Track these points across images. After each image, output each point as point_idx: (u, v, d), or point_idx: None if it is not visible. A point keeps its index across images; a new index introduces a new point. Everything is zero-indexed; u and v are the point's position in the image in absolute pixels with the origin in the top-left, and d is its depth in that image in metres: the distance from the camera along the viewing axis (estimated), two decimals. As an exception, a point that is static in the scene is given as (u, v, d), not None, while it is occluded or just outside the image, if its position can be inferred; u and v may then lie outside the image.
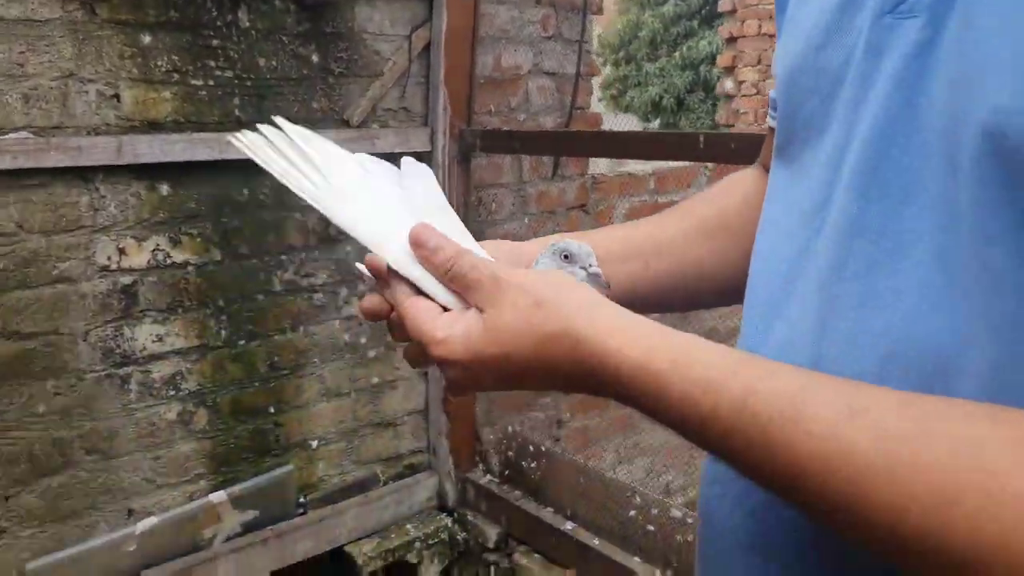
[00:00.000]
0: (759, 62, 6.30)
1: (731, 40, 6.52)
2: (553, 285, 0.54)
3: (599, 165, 2.93)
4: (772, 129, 0.72)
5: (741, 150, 1.71)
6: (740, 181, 0.77)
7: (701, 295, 0.76)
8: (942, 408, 0.41)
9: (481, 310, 0.55)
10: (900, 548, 0.39)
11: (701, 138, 1.74)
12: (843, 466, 0.40)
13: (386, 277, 0.60)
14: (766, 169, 0.76)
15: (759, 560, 0.55)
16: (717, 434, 0.45)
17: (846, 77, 0.51)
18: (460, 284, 0.56)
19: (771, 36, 6.19)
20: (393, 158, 2.38)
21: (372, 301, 0.62)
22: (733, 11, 6.46)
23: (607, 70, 13.24)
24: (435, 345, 0.55)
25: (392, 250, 0.58)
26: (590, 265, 0.61)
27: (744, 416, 0.44)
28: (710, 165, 3.09)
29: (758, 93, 6.32)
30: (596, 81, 2.80)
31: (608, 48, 13.03)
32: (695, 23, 12.73)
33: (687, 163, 3.12)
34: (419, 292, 0.58)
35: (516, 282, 0.54)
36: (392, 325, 0.62)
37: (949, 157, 0.43)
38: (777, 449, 0.42)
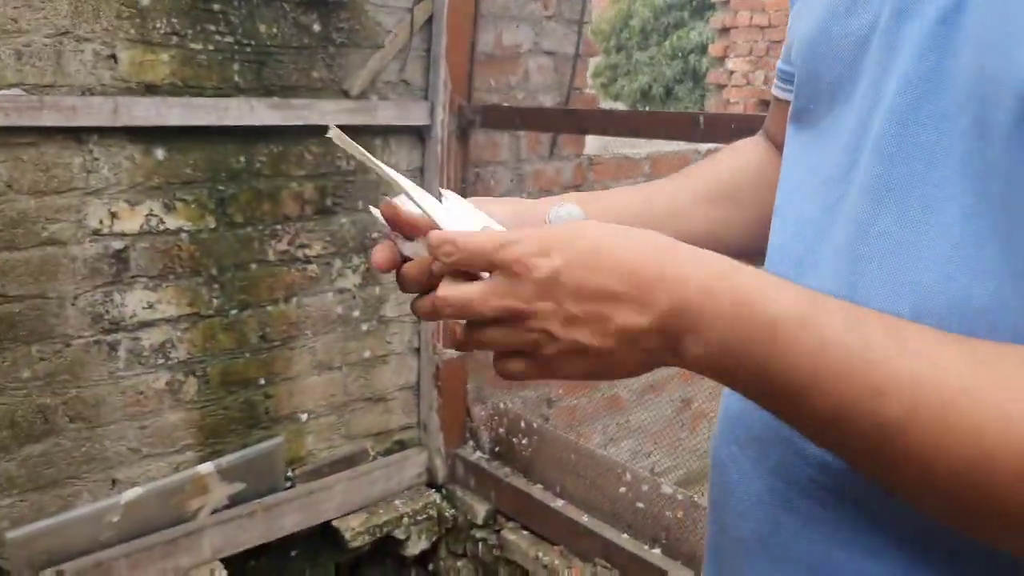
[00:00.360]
0: (750, 52, 6.31)
1: (724, 31, 6.52)
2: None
3: (593, 147, 2.91)
4: (777, 99, 0.73)
5: (741, 131, 1.70)
6: (744, 149, 0.77)
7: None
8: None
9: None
10: (987, 481, 0.39)
11: (701, 118, 1.73)
12: (934, 387, 0.40)
13: (403, 224, 0.58)
14: (769, 138, 0.77)
15: (781, 514, 0.54)
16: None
17: (871, 42, 0.51)
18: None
19: (762, 28, 6.21)
20: (392, 130, 2.35)
21: (385, 251, 0.59)
22: (726, 1, 6.46)
23: (598, 58, 13.22)
24: (500, 249, 0.48)
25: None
26: None
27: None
28: (703, 149, 3.09)
29: (748, 84, 6.33)
30: (588, 66, 2.79)
31: (599, 36, 12.99)
32: (685, 14, 12.73)
33: (682, 148, 3.12)
34: None
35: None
36: (403, 278, 0.58)
37: (978, 119, 0.44)
38: (872, 365, 0.42)
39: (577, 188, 2.72)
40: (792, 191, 0.60)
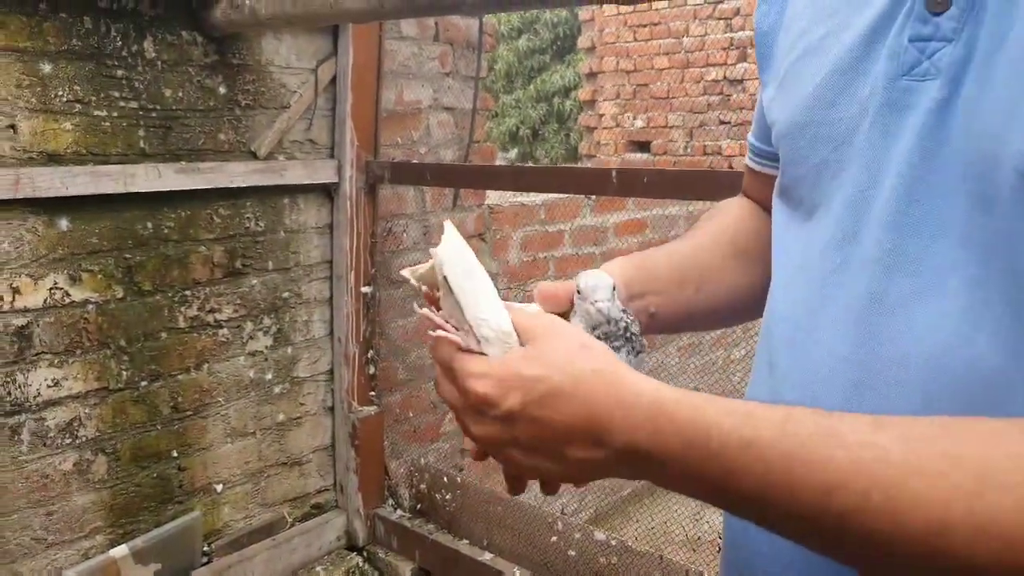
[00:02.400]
0: (618, 96, 6.62)
1: (591, 75, 6.81)
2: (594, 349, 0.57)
3: (492, 196, 3.00)
4: (751, 169, 0.80)
5: (652, 184, 1.82)
6: (739, 208, 0.83)
7: (730, 317, 0.82)
8: (959, 420, 0.47)
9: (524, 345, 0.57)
10: (945, 549, 0.42)
11: (613, 173, 1.84)
12: (880, 469, 0.44)
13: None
14: (751, 199, 0.83)
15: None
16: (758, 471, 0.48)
17: (860, 129, 0.57)
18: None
19: (628, 72, 6.54)
20: (300, 188, 2.36)
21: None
22: (592, 48, 6.76)
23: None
24: (469, 376, 0.55)
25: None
26: (595, 301, 0.63)
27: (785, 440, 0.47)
28: (593, 197, 3.24)
29: (618, 125, 6.63)
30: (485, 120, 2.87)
31: (465, 78, 13.23)
32: (547, 57, 13.19)
33: (572, 195, 3.25)
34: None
35: (563, 331, 0.58)
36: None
37: (979, 195, 0.50)
38: (815, 466, 0.46)
39: (480, 236, 2.79)
40: (785, 261, 0.66)
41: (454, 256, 0.58)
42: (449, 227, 0.61)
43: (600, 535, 1.93)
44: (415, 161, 2.39)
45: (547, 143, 12.98)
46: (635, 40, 6.44)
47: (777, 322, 0.65)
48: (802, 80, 0.63)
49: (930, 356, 0.52)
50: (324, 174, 2.23)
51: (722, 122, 6.07)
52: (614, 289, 0.64)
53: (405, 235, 2.44)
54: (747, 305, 0.79)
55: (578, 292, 0.64)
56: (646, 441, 0.50)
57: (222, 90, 2.01)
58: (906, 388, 0.53)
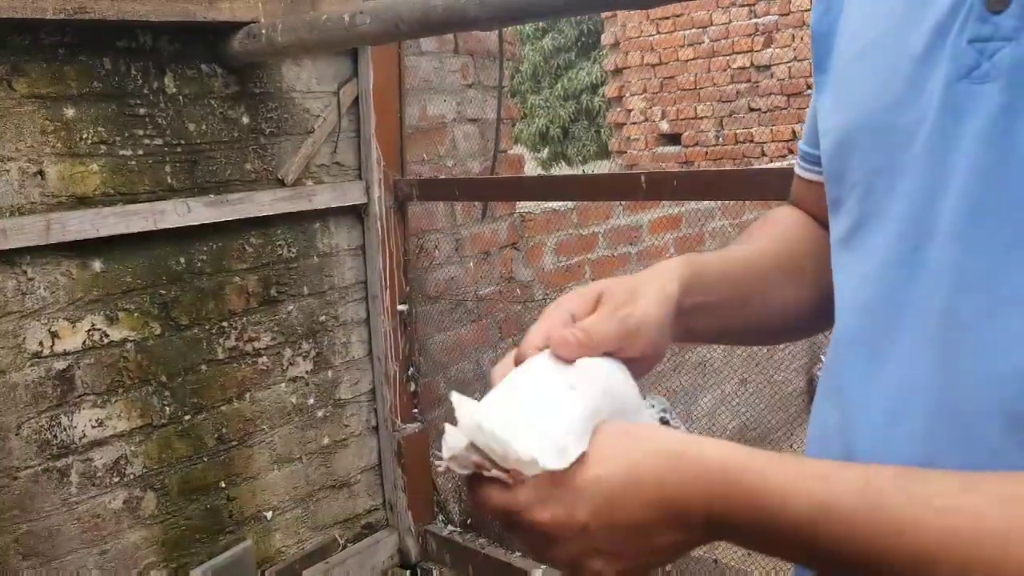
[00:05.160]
0: (645, 90, 6.55)
1: (616, 71, 6.75)
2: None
3: (523, 202, 2.97)
4: (799, 177, 0.76)
5: (681, 186, 1.78)
6: (789, 219, 0.78)
7: (775, 335, 0.78)
8: None
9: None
10: None
11: (642, 178, 1.80)
12: (978, 540, 0.41)
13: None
14: (801, 209, 0.78)
15: None
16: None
17: (918, 135, 0.53)
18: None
19: (653, 66, 6.47)
20: (330, 212, 2.35)
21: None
22: (616, 44, 6.70)
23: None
24: (525, 509, 0.51)
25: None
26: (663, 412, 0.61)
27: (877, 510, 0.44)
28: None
29: (647, 120, 6.56)
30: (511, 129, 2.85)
31: (491, 83, 13.27)
32: (572, 55, 13.15)
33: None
34: None
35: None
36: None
37: None
38: (905, 538, 0.43)
39: (513, 246, 2.76)
40: (845, 280, 0.62)
41: (471, 426, 0.52)
42: (456, 400, 0.53)
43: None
44: (443, 176, 2.38)
45: (578, 141, 12.93)
46: (658, 33, 6.36)
47: (843, 345, 0.61)
48: (858, 83, 0.60)
49: (1009, 377, 0.48)
50: (353, 196, 2.22)
51: (752, 109, 5.97)
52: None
53: (437, 251, 2.43)
54: (794, 324, 0.75)
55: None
56: (721, 512, 0.49)
57: (245, 120, 2.01)
58: (985, 413, 0.49)
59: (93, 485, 1.83)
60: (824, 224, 0.71)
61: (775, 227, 0.78)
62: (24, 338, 1.71)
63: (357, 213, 2.26)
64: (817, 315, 0.72)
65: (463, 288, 2.52)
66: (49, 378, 1.75)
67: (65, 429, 1.78)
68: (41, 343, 1.73)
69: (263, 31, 1.80)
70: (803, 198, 0.77)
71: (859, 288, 0.59)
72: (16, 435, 1.72)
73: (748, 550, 0.53)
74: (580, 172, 11.53)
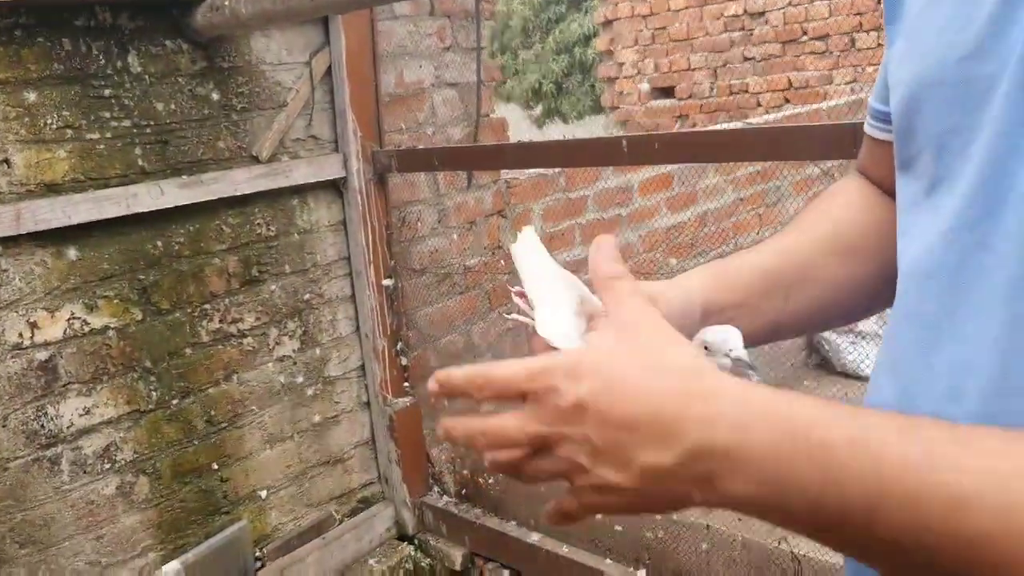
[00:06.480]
0: (636, 43, 6.43)
1: (607, 23, 6.62)
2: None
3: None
4: (870, 137, 0.70)
5: (664, 149, 1.74)
6: (853, 195, 0.73)
7: (830, 319, 0.73)
8: None
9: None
10: None
11: (624, 142, 1.76)
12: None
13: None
14: (867, 176, 0.73)
15: None
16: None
17: (998, 87, 0.48)
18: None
19: (644, 16, 6.34)
20: (308, 187, 2.30)
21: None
22: (605, -5, 6.57)
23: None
24: (530, 379, 0.49)
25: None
26: (730, 351, 0.57)
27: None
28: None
29: (639, 73, 6.45)
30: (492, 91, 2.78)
31: (482, 40, 13.06)
32: (563, 7, 12.91)
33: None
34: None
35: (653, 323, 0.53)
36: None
37: None
38: (943, 475, 0.40)
39: (500, 214, 2.73)
40: (908, 247, 0.57)
41: (523, 262, 0.62)
42: (525, 233, 0.63)
43: (646, 510, 1.89)
44: (423, 145, 2.33)
45: (572, 95, 12.75)
46: (648, -19, 6.23)
47: (902, 318, 0.57)
48: (931, 30, 0.54)
49: None
50: (330, 170, 2.18)
51: (746, 58, 5.86)
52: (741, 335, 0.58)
53: (419, 223, 2.39)
54: (848, 306, 0.70)
55: (706, 349, 0.58)
56: (725, 436, 0.44)
57: (215, 96, 1.97)
58: None
59: (85, 472, 1.83)
60: (888, 191, 0.66)
61: (829, 204, 0.73)
62: (3, 330, 1.69)
63: (336, 187, 2.22)
64: (877, 292, 0.67)
65: (449, 259, 2.49)
66: (32, 369, 1.74)
67: (52, 419, 1.77)
68: (20, 334, 1.71)
69: (226, 3, 1.75)
70: (872, 161, 0.71)
71: (923, 256, 0.54)
72: (3, 427, 1.71)
73: (733, 509, 0.47)
74: (573, 128, 11.40)
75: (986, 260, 0.49)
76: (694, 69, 6.13)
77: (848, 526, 0.42)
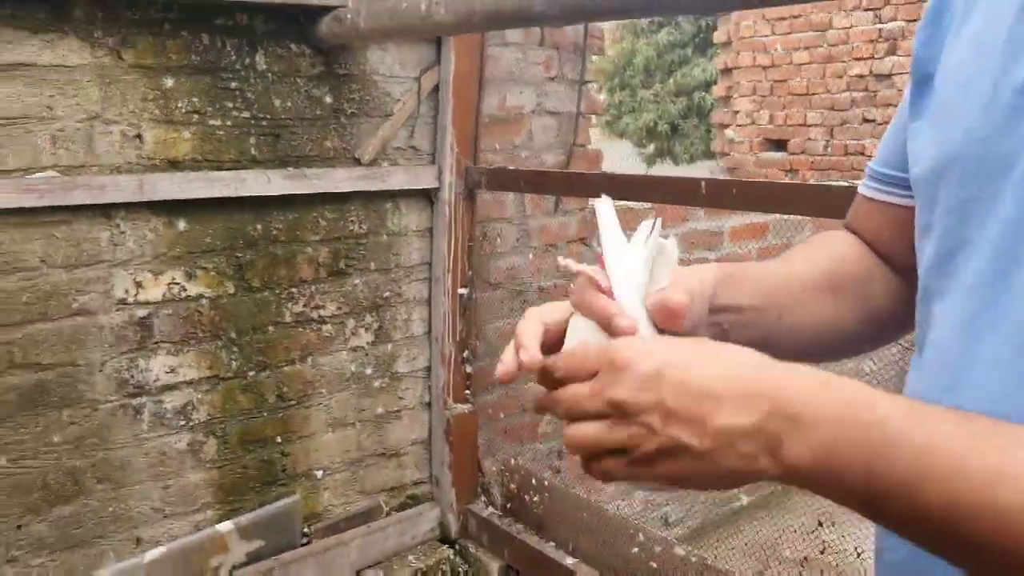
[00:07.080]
0: (754, 92, 6.41)
1: (726, 71, 6.63)
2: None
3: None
4: (865, 197, 0.76)
5: (740, 195, 1.77)
6: (839, 241, 0.78)
7: (813, 352, 0.77)
8: None
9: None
10: None
11: (703, 183, 1.80)
12: None
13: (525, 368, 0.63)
14: (855, 233, 0.78)
15: None
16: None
17: (1017, 163, 0.54)
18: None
19: (764, 68, 6.31)
20: (402, 194, 2.44)
21: (505, 366, 0.64)
22: (728, 42, 6.57)
23: (601, 96, 13.40)
24: (604, 353, 0.55)
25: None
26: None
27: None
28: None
29: (753, 123, 6.42)
30: (591, 123, 2.86)
31: (602, 75, 13.20)
32: (688, 51, 12.93)
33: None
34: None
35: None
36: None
37: None
38: (998, 444, 0.44)
39: (582, 240, 2.80)
40: (936, 305, 0.62)
41: (603, 228, 0.69)
42: (604, 201, 0.70)
43: (680, 550, 1.91)
44: (514, 167, 2.43)
45: (686, 138, 12.73)
46: (773, 34, 6.20)
47: (925, 366, 0.62)
48: (959, 113, 0.60)
49: None
50: (425, 180, 2.31)
51: (866, 120, 5.75)
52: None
53: (499, 239, 2.49)
54: (832, 343, 0.75)
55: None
56: (798, 401, 0.49)
57: (328, 99, 2.13)
58: None
59: (162, 425, 2.00)
60: (878, 251, 0.72)
61: (823, 247, 0.79)
62: (113, 285, 1.88)
63: (428, 196, 2.35)
64: (856, 336, 0.73)
65: (525, 278, 2.58)
66: (131, 323, 1.92)
67: (142, 371, 1.95)
68: (127, 291, 1.90)
69: (348, 15, 1.90)
70: (865, 221, 0.77)
71: (947, 313, 0.59)
72: (100, 371, 1.89)
73: (795, 475, 0.50)
74: (683, 170, 11.34)
75: (996, 314, 0.54)
76: (810, 125, 6.06)
77: (894, 497, 0.46)
